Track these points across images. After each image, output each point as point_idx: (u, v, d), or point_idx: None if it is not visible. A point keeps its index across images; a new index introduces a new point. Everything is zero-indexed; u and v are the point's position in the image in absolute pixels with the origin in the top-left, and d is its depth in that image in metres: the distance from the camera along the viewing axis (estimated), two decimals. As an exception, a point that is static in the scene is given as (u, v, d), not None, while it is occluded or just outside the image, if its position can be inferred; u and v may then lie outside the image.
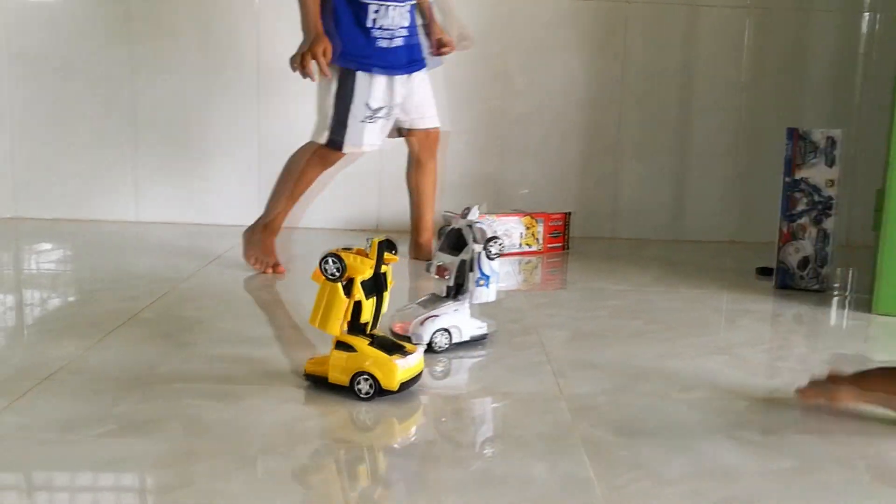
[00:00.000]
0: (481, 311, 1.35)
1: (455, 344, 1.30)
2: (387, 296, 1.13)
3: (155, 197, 2.42)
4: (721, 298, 1.74)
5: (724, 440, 0.99)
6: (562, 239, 2.21)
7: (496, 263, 1.30)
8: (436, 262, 1.33)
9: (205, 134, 2.40)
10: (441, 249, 1.35)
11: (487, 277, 1.29)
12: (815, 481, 0.88)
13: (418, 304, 1.35)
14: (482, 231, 1.29)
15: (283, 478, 0.86)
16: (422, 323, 1.28)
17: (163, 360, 1.23)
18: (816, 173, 1.72)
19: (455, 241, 1.33)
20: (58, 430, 0.97)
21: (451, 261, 1.31)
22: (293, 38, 1.72)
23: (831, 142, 1.69)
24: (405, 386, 1.08)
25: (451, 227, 1.35)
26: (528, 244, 2.15)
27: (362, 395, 1.07)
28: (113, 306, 1.51)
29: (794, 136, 1.72)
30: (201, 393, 1.09)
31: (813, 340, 1.48)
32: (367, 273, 1.08)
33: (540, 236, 2.17)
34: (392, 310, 1.27)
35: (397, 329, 1.32)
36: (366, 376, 1.06)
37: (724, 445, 0.97)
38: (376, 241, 1.09)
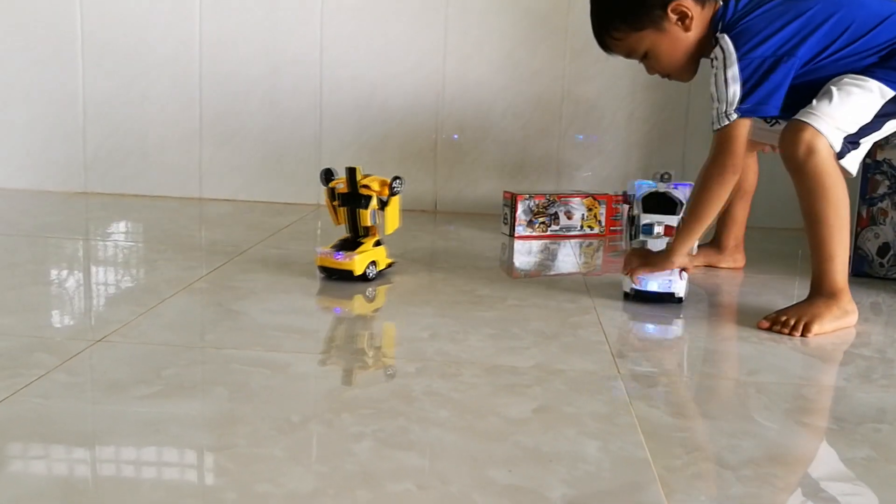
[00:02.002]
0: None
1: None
2: (362, 212, 1.52)
3: (219, 174, 2.44)
4: (792, 284, 1.65)
5: (792, 426, 0.92)
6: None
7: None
8: (658, 222, 1.48)
9: (271, 108, 2.41)
10: (646, 211, 1.50)
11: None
12: (892, 473, 0.82)
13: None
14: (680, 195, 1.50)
15: (325, 445, 0.84)
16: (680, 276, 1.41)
17: (213, 327, 1.22)
18: (899, 154, 1.62)
19: (656, 203, 1.51)
20: (104, 389, 0.97)
21: (672, 219, 1.48)
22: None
23: (917, 121, 1.58)
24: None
25: (649, 192, 1.50)
26: (589, 226, 2.09)
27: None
28: (171, 275, 1.52)
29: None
30: (249, 360, 1.08)
31: (892, 329, 1.39)
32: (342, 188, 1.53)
33: (602, 218, 2.10)
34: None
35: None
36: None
37: (792, 431, 0.91)
38: (357, 168, 1.53)
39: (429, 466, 0.80)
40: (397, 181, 1.53)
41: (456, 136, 2.34)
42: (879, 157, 1.62)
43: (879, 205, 1.64)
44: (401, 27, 2.35)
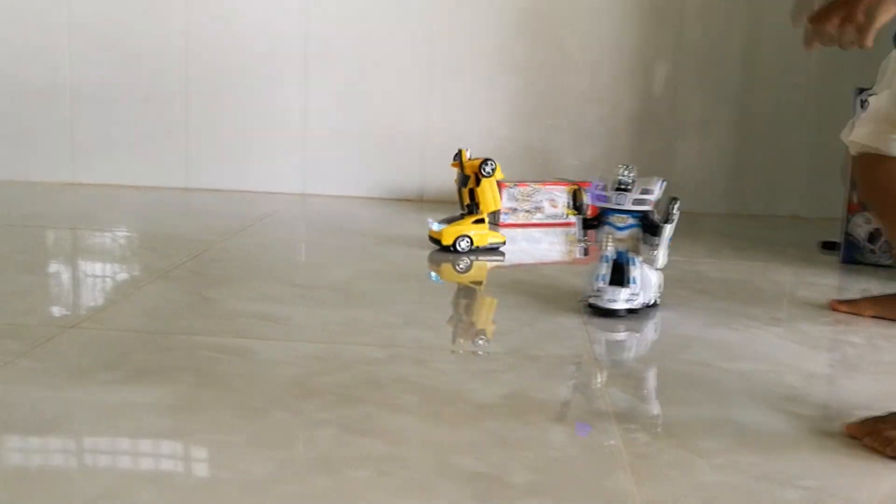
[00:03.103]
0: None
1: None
2: (463, 190, 1.65)
3: (205, 165, 2.41)
4: (779, 271, 1.62)
5: (772, 413, 0.90)
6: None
7: None
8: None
9: (251, 102, 2.38)
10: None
11: None
12: (873, 461, 0.79)
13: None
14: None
15: (286, 432, 0.81)
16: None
17: (185, 314, 1.19)
18: (890, 138, 1.58)
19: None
20: (68, 375, 0.94)
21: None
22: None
23: (907, 104, 1.55)
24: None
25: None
26: (572, 214, 2.06)
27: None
28: (150, 264, 1.50)
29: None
30: (218, 346, 1.05)
31: (875, 316, 1.36)
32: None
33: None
34: None
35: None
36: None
37: (772, 418, 0.88)
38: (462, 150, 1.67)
39: (391, 453, 0.77)
40: (486, 164, 1.60)
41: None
42: (868, 142, 1.59)
43: (869, 190, 1.61)
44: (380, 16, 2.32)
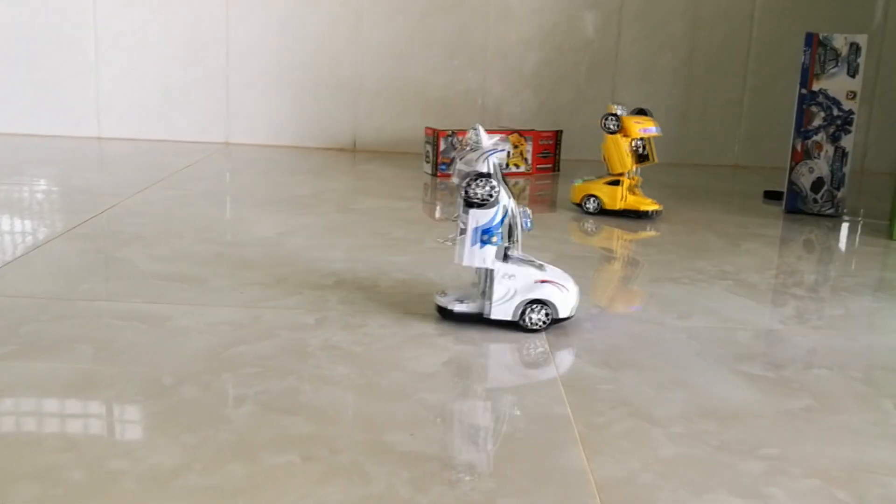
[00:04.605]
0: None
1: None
2: None
3: (119, 112, 2.24)
4: (724, 222, 1.58)
5: (726, 374, 0.84)
6: (552, 160, 2.04)
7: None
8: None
9: (167, 44, 2.21)
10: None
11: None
12: (834, 424, 0.74)
13: (531, 265, 0.95)
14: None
15: (197, 411, 0.72)
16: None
17: (88, 276, 1.08)
18: (836, 84, 1.54)
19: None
20: (-55, 351, 0.82)
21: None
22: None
23: (855, 48, 1.51)
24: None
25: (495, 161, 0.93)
26: (515, 164, 1.98)
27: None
28: (52, 220, 1.36)
29: (814, 41, 1.54)
30: (124, 313, 0.94)
31: (825, 267, 1.33)
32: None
33: (529, 156, 2.00)
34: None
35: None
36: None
37: (727, 381, 0.83)
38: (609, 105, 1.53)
39: (317, 433, 0.69)
40: (608, 118, 1.50)
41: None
42: (815, 87, 1.55)
43: (814, 138, 1.57)
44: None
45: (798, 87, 1.57)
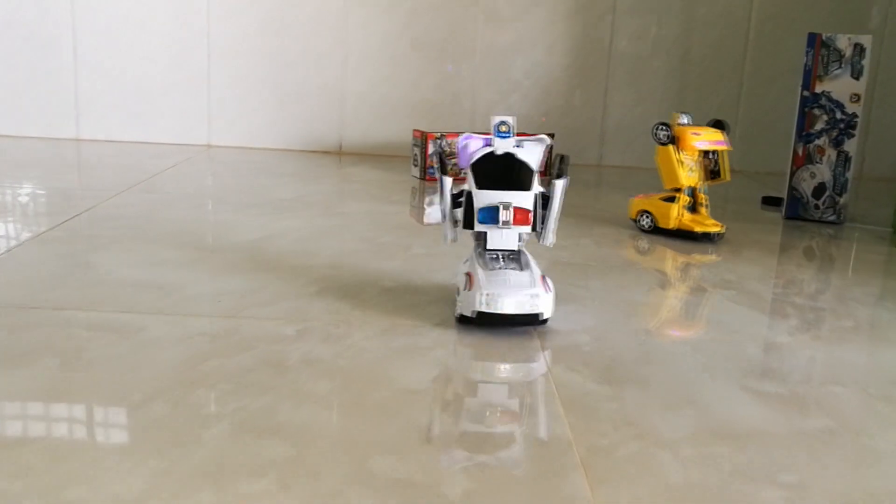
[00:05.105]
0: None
1: None
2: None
3: (99, 113, 2.18)
4: (723, 229, 1.53)
5: (735, 391, 0.79)
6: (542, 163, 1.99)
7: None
8: (505, 203, 0.91)
9: (149, 44, 2.15)
10: (491, 187, 0.93)
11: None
12: (856, 447, 0.69)
13: (503, 269, 0.92)
14: (540, 149, 0.94)
15: (168, 431, 0.66)
16: (539, 293, 0.90)
17: (58, 283, 1.02)
18: (839, 86, 1.49)
19: (515, 170, 0.93)
20: None
21: (524, 197, 0.92)
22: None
23: (859, 49, 1.47)
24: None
25: (480, 155, 0.94)
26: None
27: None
28: (23, 223, 1.30)
29: (817, 42, 1.49)
30: (94, 323, 0.88)
31: (829, 276, 1.29)
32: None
33: (521, 160, 1.94)
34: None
35: (508, 311, 0.90)
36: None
37: (737, 398, 0.77)
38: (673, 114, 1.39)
39: (296, 456, 0.63)
40: (659, 128, 1.37)
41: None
42: (818, 90, 1.50)
43: (816, 142, 1.53)
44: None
45: (799, 89, 1.52)
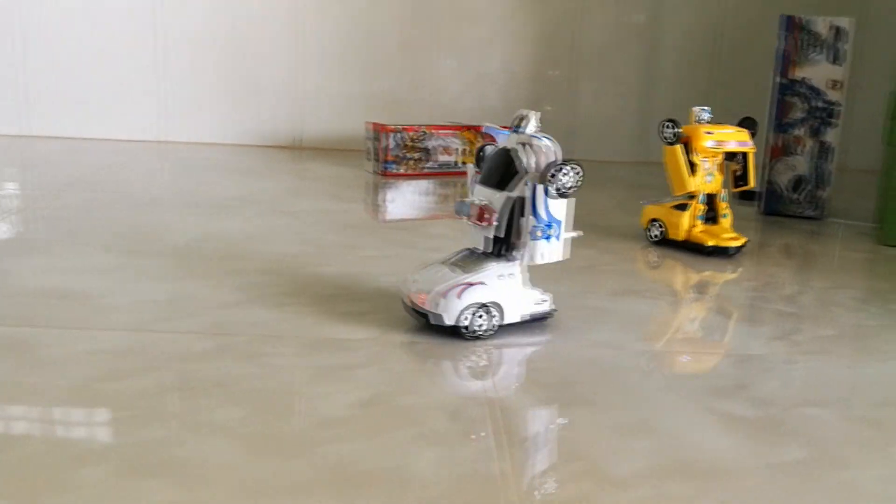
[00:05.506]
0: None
1: (502, 327, 0.86)
2: None
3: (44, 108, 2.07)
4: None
5: (701, 414, 0.70)
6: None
7: (563, 204, 0.85)
8: (473, 200, 0.87)
9: (95, 38, 2.04)
10: (482, 181, 0.88)
11: (550, 225, 0.85)
12: (837, 482, 0.60)
13: (447, 263, 0.88)
14: (545, 151, 0.84)
15: (37, 472, 0.56)
16: (446, 294, 0.83)
17: (-45, 293, 0.92)
18: (818, 73, 1.41)
19: (504, 167, 0.86)
20: None
21: (497, 198, 0.85)
22: None
23: (837, 33, 1.38)
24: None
25: (495, 147, 0.89)
26: (465, 162, 1.84)
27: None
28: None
29: (792, 25, 1.41)
30: (-15, 339, 0.78)
31: (810, 277, 1.20)
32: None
33: (488, 154, 1.85)
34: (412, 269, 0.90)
35: (416, 301, 0.86)
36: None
37: (702, 423, 0.68)
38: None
39: (188, 501, 0.54)
40: (666, 125, 1.23)
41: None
42: (797, 76, 1.42)
43: (794, 132, 1.44)
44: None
45: (772, 75, 1.43)
